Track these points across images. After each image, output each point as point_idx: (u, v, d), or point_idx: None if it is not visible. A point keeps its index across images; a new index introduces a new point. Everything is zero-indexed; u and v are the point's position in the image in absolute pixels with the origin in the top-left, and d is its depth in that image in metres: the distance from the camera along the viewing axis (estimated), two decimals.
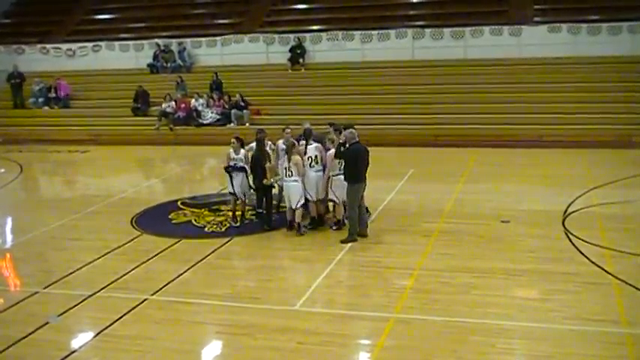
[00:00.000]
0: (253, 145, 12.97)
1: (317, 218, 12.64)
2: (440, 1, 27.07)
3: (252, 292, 10.05)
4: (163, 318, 9.07)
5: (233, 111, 23.73)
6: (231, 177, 12.89)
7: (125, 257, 11.59)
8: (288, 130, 12.99)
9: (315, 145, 12.37)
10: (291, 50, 25.86)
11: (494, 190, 15.45)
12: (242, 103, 23.75)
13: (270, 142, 13.13)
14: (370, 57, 25.24)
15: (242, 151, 12.88)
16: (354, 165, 11.54)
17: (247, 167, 12.81)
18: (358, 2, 27.47)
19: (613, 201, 13.89)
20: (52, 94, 27.00)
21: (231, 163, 12.85)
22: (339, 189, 12.00)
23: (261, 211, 12.93)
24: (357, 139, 11.74)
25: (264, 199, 12.80)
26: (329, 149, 12.09)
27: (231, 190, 12.99)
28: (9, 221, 15.36)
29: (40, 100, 27.13)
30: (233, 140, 13.01)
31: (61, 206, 15.83)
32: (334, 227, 12.45)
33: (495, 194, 15.01)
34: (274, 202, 13.24)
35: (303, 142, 12.59)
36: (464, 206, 14.02)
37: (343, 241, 11.67)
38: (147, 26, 29.57)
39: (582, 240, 11.33)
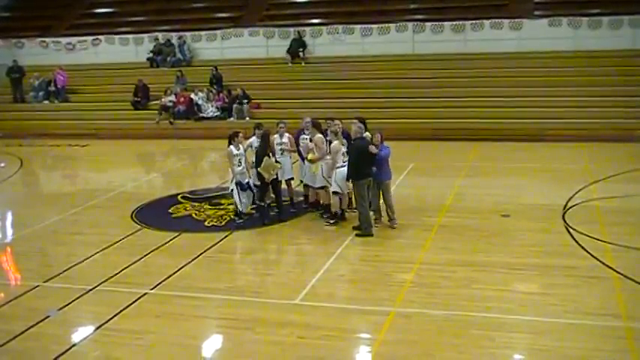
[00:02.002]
0: (251, 140, 12.96)
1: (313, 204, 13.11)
2: None
3: (252, 286, 10.05)
4: (163, 312, 9.07)
5: (234, 105, 23.71)
6: (239, 191, 12.77)
7: (125, 251, 11.58)
8: (282, 125, 13.01)
9: (318, 135, 12.44)
10: (291, 44, 25.77)
11: (495, 185, 15.45)
12: (244, 97, 23.68)
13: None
14: (370, 51, 25.18)
15: (241, 146, 12.83)
16: (356, 161, 11.51)
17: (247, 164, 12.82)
18: None
19: (613, 195, 13.88)
20: (52, 88, 26.96)
21: (238, 174, 12.64)
22: (341, 181, 12.01)
23: (262, 204, 12.91)
24: (362, 135, 11.74)
25: (273, 193, 12.86)
26: (331, 142, 12.17)
27: (240, 210, 12.82)
28: (9, 215, 15.37)
29: (41, 94, 27.10)
30: (241, 133, 12.91)
31: (61, 200, 15.84)
32: (326, 218, 12.56)
33: (495, 188, 15.00)
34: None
35: (306, 136, 12.71)
36: (464, 200, 14.01)
37: (358, 235, 11.71)
38: (146, 20, 29.52)
39: (582, 234, 11.33)
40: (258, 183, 13.00)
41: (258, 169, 12.32)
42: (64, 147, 23.13)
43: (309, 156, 12.44)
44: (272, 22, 27.42)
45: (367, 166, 11.61)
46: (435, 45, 24.49)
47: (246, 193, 12.81)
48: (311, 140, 12.63)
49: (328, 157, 12.27)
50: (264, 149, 12.41)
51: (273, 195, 13.05)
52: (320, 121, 13.04)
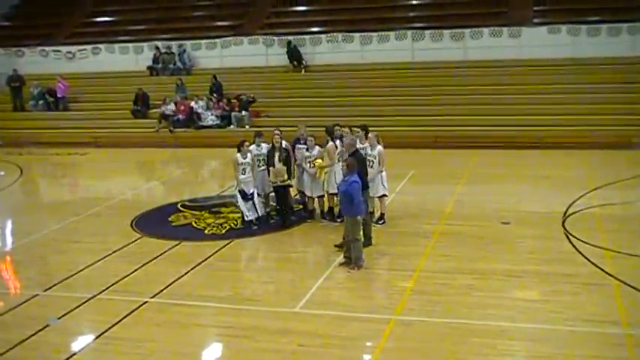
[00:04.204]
0: (251, 147, 12.96)
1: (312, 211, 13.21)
2: (439, 2, 27.12)
3: (252, 294, 10.05)
4: (164, 320, 9.06)
5: (233, 113, 23.74)
6: (251, 200, 12.79)
7: (125, 260, 11.58)
8: (277, 132, 13.01)
9: (331, 143, 12.54)
10: (291, 51, 25.81)
11: (495, 192, 15.45)
12: (249, 102, 23.68)
13: (264, 144, 13.11)
14: (370, 59, 25.25)
15: (248, 154, 12.83)
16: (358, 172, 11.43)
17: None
18: (358, 4, 27.46)
19: (613, 202, 13.88)
20: (51, 99, 26.95)
21: (242, 182, 12.66)
22: None
23: (288, 209, 13.04)
24: (356, 147, 11.72)
25: (278, 200, 12.94)
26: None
27: (245, 218, 12.87)
28: (9, 224, 15.36)
29: (40, 102, 27.14)
30: (246, 142, 12.92)
31: (61, 209, 15.84)
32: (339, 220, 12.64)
33: (495, 195, 15.01)
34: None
35: (302, 145, 12.74)
36: (464, 207, 14.01)
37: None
38: (146, 28, 29.60)
39: (582, 241, 11.32)
40: (268, 192, 13.06)
41: (271, 168, 12.45)
42: (64, 155, 23.13)
43: (318, 162, 12.45)
44: (272, 30, 27.50)
45: (365, 177, 11.57)
46: (435, 53, 24.57)
47: (249, 203, 12.80)
48: (307, 150, 12.67)
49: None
50: (287, 152, 12.63)
51: (273, 203, 13.05)
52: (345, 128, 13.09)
